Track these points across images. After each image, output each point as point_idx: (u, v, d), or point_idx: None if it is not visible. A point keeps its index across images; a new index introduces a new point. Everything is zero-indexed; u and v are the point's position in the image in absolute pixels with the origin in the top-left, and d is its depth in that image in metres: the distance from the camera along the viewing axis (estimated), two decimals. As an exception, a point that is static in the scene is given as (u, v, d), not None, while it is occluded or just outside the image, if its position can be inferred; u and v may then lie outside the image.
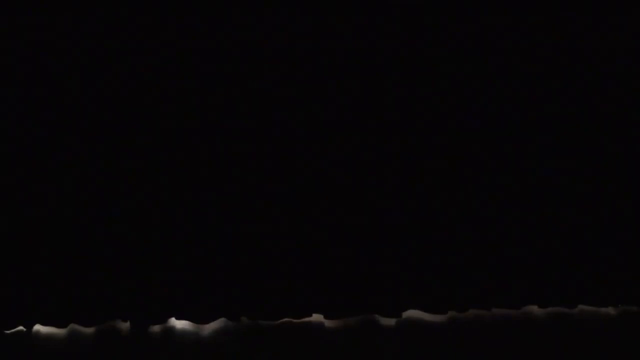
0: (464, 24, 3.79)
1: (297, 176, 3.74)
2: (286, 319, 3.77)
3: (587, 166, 3.93)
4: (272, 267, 3.72)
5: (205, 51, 3.61)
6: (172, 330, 3.65)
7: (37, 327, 3.60)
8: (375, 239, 3.79)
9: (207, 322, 3.68)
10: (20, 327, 3.58)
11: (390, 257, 3.80)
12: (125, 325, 3.65)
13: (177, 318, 3.66)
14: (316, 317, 3.83)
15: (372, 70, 3.74)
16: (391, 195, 3.79)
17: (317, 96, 3.71)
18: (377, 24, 3.72)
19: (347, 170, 3.76)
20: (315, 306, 3.78)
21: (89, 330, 3.60)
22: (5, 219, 3.50)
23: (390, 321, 3.80)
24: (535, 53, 3.86)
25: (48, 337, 3.54)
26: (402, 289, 3.82)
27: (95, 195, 3.56)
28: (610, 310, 4.00)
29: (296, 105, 3.71)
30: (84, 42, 3.52)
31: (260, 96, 3.67)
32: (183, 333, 3.63)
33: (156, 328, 3.65)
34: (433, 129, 3.80)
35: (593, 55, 3.91)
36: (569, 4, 3.87)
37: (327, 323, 3.77)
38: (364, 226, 3.78)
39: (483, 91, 3.84)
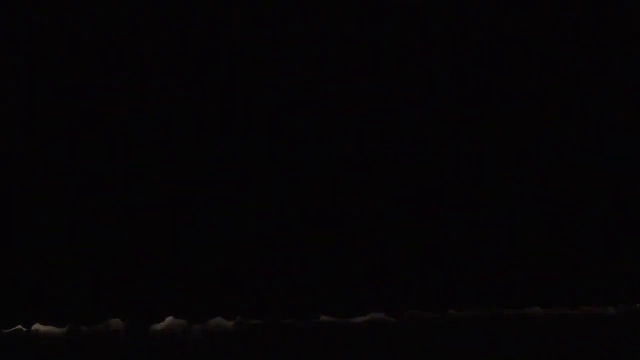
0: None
1: (294, 175, 3.74)
2: (286, 319, 3.76)
3: (588, 166, 3.93)
4: (271, 266, 3.71)
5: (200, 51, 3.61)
6: (170, 328, 3.65)
7: (36, 326, 3.59)
8: (376, 239, 3.79)
9: (205, 321, 3.68)
10: (19, 326, 3.57)
11: (392, 256, 3.80)
12: (123, 324, 3.65)
13: (175, 317, 3.66)
14: (315, 317, 3.82)
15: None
16: (392, 194, 3.79)
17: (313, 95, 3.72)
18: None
19: (347, 169, 3.75)
20: (315, 306, 3.78)
21: (88, 329, 3.60)
22: (5, 218, 3.50)
23: (390, 320, 3.79)
24: (538, 52, 3.86)
25: (47, 336, 3.54)
26: (403, 287, 3.82)
27: (93, 194, 3.56)
28: (611, 309, 3.99)
29: (294, 105, 3.71)
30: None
31: (248, 96, 3.67)
32: (181, 331, 3.63)
33: (154, 327, 3.65)
34: (433, 127, 3.80)
35: (595, 55, 3.91)
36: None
37: (328, 323, 3.77)
38: (364, 226, 3.78)
39: (487, 90, 3.83)
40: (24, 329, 3.55)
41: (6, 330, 3.54)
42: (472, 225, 3.85)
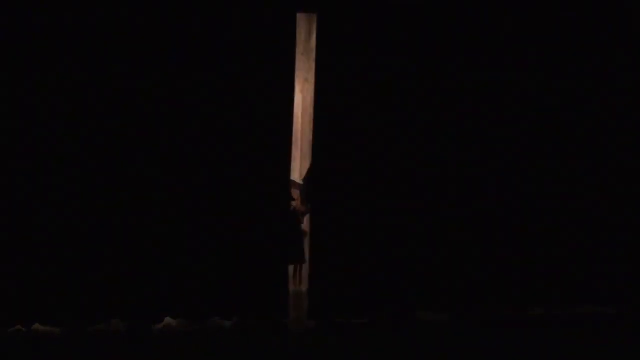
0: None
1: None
2: (284, 320, 3.77)
3: (588, 169, 3.92)
4: (269, 270, 3.72)
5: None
6: (168, 328, 3.66)
7: (36, 326, 3.59)
8: (378, 241, 3.80)
9: (202, 321, 3.69)
10: (19, 326, 3.57)
11: (393, 258, 3.80)
12: (123, 324, 3.64)
13: (173, 317, 3.67)
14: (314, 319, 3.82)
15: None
16: (393, 197, 3.80)
17: None
18: None
19: (348, 173, 3.76)
20: (315, 308, 3.79)
21: (87, 329, 3.60)
22: (5, 219, 3.51)
23: (391, 321, 3.80)
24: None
25: (46, 336, 3.54)
26: (406, 289, 3.82)
27: (92, 197, 3.57)
28: (610, 310, 3.98)
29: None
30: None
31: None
32: (178, 331, 3.63)
33: (152, 327, 3.64)
34: (435, 132, 3.80)
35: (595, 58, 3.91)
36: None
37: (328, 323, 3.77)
38: (367, 230, 3.79)
39: (499, 92, 3.84)
40: (24, 329, 3.56)
41: (6, 331, 3.54)
42: (472, 227, 3.85)
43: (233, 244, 3.66)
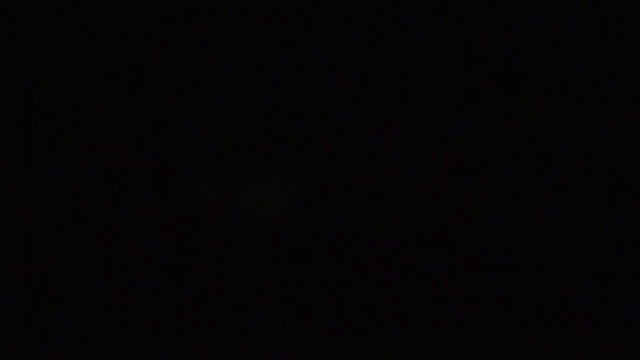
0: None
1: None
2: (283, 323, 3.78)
3: (587, 175, 3.94)
4: (265, 279, 3.72)
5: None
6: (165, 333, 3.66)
7: (34, 335, 3.58)
8: (376, 246, 3.80)
9: (198, 329, 3.69)
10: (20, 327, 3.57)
11: (394, 263, 3.81)
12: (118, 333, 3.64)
13: (168, 324, 3.68)
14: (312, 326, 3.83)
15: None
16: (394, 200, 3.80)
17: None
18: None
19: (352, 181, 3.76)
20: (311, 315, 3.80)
21: (86, 333, 3.60)
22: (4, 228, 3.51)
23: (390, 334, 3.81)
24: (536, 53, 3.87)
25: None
26: (405, 294, 3.83)
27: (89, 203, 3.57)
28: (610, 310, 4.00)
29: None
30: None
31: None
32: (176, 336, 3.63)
33: (149, 333, 3.65)
34: (439, 140, 3.81)
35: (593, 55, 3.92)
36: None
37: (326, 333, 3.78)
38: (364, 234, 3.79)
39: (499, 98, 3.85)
40: (25, 329, 3.55)
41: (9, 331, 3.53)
42: (472, 230, 3.87)
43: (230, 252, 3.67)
